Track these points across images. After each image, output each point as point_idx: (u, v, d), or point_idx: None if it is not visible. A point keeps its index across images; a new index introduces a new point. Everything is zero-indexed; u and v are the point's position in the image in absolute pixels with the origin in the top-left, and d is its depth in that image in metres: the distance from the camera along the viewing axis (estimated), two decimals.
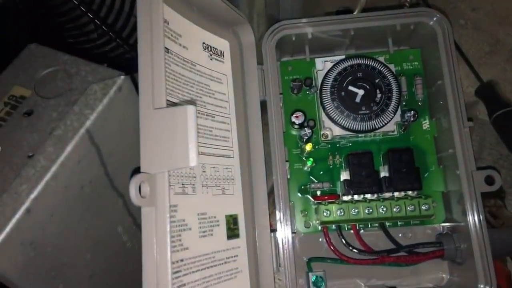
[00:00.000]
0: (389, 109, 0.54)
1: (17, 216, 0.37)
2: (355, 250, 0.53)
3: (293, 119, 0.56)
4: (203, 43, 0.51)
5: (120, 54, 0.61)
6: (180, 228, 0.42)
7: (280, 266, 0.51)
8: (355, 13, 0.68)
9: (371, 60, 0.55)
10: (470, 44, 0.73)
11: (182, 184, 0.44)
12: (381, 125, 0.54)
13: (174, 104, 0.44)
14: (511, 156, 0.65)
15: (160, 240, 0.37)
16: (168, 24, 0.45)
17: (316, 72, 0.58)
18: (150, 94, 0.39)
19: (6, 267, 0.37)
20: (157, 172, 0.38)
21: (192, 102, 0.46)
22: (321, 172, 0.56)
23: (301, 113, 0.56)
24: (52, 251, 0.41)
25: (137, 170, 0.37)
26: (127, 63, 0.60)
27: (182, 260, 0.41)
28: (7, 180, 0.38)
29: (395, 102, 0.54)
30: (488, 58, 0.72)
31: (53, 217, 0.40)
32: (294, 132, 0.57)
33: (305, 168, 0.56)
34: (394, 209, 0.52)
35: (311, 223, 0.55)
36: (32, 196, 0.38)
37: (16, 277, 0.39)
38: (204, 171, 0.47)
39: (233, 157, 0.51)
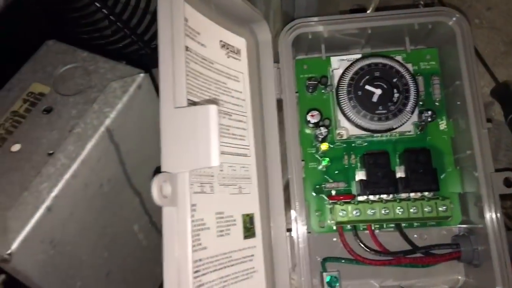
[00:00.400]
0: (406, 109, 0.53)
1: (38, 214, 0.37)
2: (371, 251, 0.53)
3: (309, 118, 0.55)
4: (221, 40, 0.51)
5: (134, 51, 0.61)
6: (198, 228, 0.42)
7: (295, 266, 0.51)
8: (369, 11, 0.68)
9: (388, 60, 0.54)
10: (485, 43, 0.72)
11: (201, 183, 0.43)
12: (398, 125, 0.53)
13: (193, 103, 0.43)
14: None
15: (181, 240, 0.37)
16: (187, 21, 0.44)
17: (332, 71, 0.57)
18: (171, 93, 0.38)
19: (26, 265, 0.37)
20: (179, 172, 0.37)
21: (212, 101, 0.45)
22: (336, 172, 0.56)
23: (317, 112, 0.56)
24: (71, 249, 0.41)
25: (158, 170, 0.37)
26: (140, 59, 0.60)
27: (200, 260, 0.41)
28: (27, 178, 0.38)
29: (413, 102, 0.53)
30: (503, 58, 0.71)
31: (73, 215, 0.40)
32: (308, 131, 0.57)
33: (320, 167, 0.56)
34: (411, 210, 0.51)
35: (325, 223, 0.55)
36: (53, 194, 0.37)
37: (36, 276, 0.38)
38: (221, 170, 0.47)
39: (249, 156, 0.51)
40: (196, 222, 0.41)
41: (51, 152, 0.39)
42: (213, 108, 0.37)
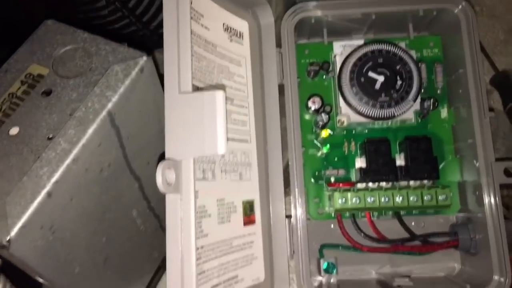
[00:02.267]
0: (409, 97, 0.52)
1: (38, 199, 0.36)
2: (369, 239, 0.53)
3: (310, 104, 0.55)
4: (224, 23, 0.49)
5: (132, 32, 0.59)
6: (200, 215, 0.41)
7: (293, 253, 0.51)
8: None
9: (393, 46, 0.53)
10: (485, 31, 0.72)
11: (203, 169, 0.43)
12: (401, 112, 0.53)
13: (196, 88, 0.42)
14: None
15: (185, 228, 0.36)
16: (191, 3, 0.43)
17: (334, 56, 0.56)
18: (176, 78, 0.37)
19: (25, 251, 0.36)
20: (183, 159, 0.37)
21: (216, 86, 0.44)
22: (336, 159, 0.55)
23: (318, 98, 0.55)
24: (70, 235, 0.40)
25: (162, 156, 0.36)
26: (142, 41, 0.59)
27: (202, 247, 0.41)
28: (26, 162, 0.37)
29: (416, 90, 0.52)
30: (503, 46, 0.71)
31: (73, 201, 0.39)
32: (308, 117, 0.56)
33: (319, 154, 0.56)
34: (411, 198, 0.51)
35: (323, 210, 0.55)
36: (53, 179, 0.36)
37: (34, 262, 0.38)
38: (223, 156, 0.46)
39: (250, 142, 0.50)
40: (198, 209, 0.41)
41: (51, 136, 0.38)
42: (220, 94, 0.36)
